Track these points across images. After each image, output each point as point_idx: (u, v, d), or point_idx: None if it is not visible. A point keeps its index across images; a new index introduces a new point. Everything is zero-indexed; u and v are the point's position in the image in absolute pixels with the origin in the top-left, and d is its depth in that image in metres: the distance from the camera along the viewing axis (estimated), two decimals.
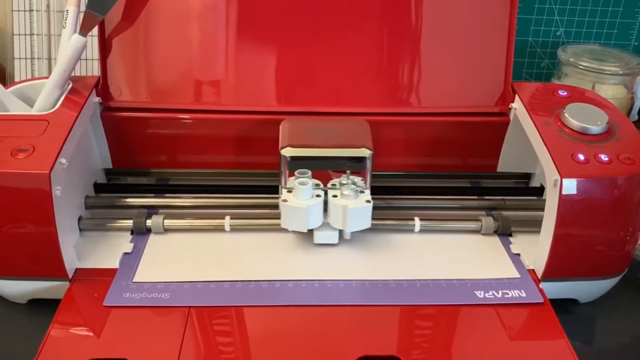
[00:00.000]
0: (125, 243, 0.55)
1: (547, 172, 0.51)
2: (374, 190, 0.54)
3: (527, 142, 0.55)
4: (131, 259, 0.53)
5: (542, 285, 0.51)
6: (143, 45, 0.58)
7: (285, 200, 0.52)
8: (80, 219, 0.56)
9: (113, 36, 0.58)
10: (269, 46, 0.59)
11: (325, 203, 0.53)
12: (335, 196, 0.52)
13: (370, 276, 0.52)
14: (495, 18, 0.59)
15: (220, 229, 0.56)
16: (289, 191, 0.53)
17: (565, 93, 0.59)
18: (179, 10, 0.58)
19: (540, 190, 0.61)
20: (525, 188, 0.64)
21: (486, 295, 0.50)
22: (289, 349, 0.45)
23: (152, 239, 0.56)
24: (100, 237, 0.56)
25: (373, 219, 0.53)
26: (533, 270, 0.53)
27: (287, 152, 0.52)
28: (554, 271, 0.51)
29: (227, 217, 0.56)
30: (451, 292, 0.50)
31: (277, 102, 0.60)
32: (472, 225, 0.57)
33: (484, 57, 0.60)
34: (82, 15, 0.56)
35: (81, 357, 0.44)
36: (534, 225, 0.55)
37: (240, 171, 0.63)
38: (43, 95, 0.55)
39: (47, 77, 0.56)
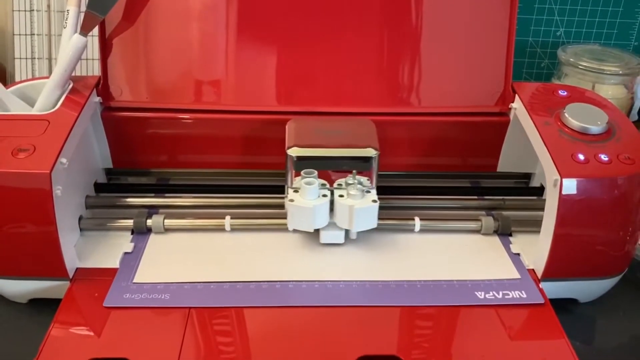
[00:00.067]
0: (125, 243, 0.55)
1: (547, 172, 0.51)
2: None
3: (527, 142, 0.55)
4: (131, 259, 0.53)
5: (542, 285, 0.51)
6: (143, 45, 0.58)
7: (291, 200, 0.52)
8: (80, 218, 0.56)
9: (113, 36, 0.58)
10: (269, 46, 0.59)
11: (331, 203, 0.53)
12: (341, 196, 0.53)
13: (371, 277, 0.52)
14: (496, 18, 0.59)
15: (220, 228, 0.56)
16: (295, 191, 0.53)
17: (565, 93, 0.59)
18: (179, 11, 0.58)
19: (540, 190, 0.62)
20: (525, 188, 0.64)
21: (487, 296, 0.50)
22: (289, 349, 0.45)
23: (153, 238, 0.56)
24: (101, 237, 0.56)
25: None
26: (533, 270, 0.53)
27: (294, 152, 0.52)
28: (553, 271, 0.51)
29: (228, 217, 0.56)
30: (452, 292, 0.50)
31: (278, 102, 0.60)
32: (472, 225, 0.57)
33: (484, 57, 0.60)
34: (82, 15, 0.56)
35: (82, 356, 0.44)
36: (534, 225, 0.55)
37: (240, 171, 0.63)
38: (44, 95, 0.55)
39: (47, 77, 0.56)
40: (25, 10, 0.75)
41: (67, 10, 0.58)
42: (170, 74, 0.59)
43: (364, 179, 0.54)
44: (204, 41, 0.59)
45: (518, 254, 0.55)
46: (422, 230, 0.56)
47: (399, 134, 0.60)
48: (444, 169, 0.63)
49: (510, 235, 0.57)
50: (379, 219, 0.54)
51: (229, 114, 0.59)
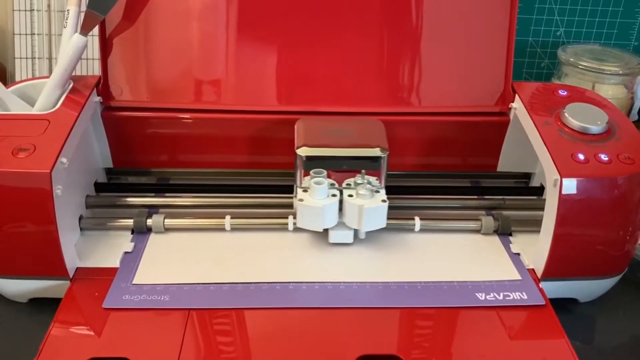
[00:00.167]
0: (125, 242, 0.55)
1: (547, 172, 0.51)
2: None
3: (527, 142, 0.55)
4: (132, 259, 0.53)
5: (541, 284, 0.51)
6: (144, 44, 0.58)
7: (301, 200, 0.52)
8: (81, 218, 0.56)
9: (114, 36, 0.58)
10: (269, 45, 0.59)
11: (340, 202, 0.53)
12: (350, 196, 0.53)
13: (372, 278, 0.51)
14: (496, 18, 0.59)
15: (220, 228, 0.56)
16: (305, 190, 0.53)
17: (565, 93, 0.59)
18: (179, 10, 0.58)
19: (540, 190, 0.62)
20: (525, 188, 0.64)
21: (487, 297, 0.50)
22: (289, 350, 0.45)
23: (153, 238, 0.56)
24: (101, 236, 0.56)
25: None
26: (533, 269, 0.53)
27: (303, 151, 0.52)
28: (553, 271, 0.51)
29: (228, 217, 0.56)
30: (452, 294, 0.50)
31: (278, 102, 0.60)
32: (472, 224, 0.57)
33: (484, 57, 0.60)
34: (82, 15, 0.56)
35: (82, 356, 0.44)
36: (534, 225, 0.55)
37: (241, 170, 0.63)
38: (44, 95, 0.55)
39: (48, 77, 0.56)
40: (25, 10, 0.76)
41: (68, 10, 0.58)
42: (170, 74, 0.59)
43: (372, 179, 0.54)
44: (204, 41, 0.59)
45: (518, 254, 0.55)
46: (422, 230, 0.56)
47: (399, 134, 0.60)
48: (444, 169, 0.63)
49: (510, 235, 0.57)
50: None
51: (229, 114, 0.59)
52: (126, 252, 0.54)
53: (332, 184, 0.54)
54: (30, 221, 0.48)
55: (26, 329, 0.50)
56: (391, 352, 0.45)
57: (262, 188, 0.61)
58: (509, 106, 0.60)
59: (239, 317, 0.48)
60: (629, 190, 0.50)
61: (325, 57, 0.59)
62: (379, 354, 0.45)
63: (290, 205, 0.58)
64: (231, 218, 0.56)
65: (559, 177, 0.48)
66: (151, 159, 0.62)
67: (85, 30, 0.56)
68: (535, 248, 0.53)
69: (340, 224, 0.54)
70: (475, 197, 0.62)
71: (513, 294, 0.50)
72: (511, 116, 0.60)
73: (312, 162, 0.52)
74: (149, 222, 0.56)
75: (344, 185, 0.54)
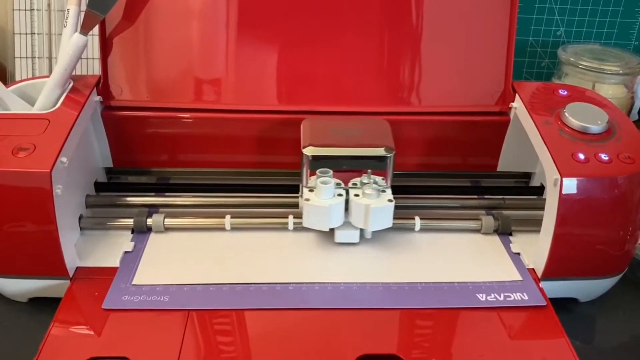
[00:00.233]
0: (125, 242, 0.55)
1: (547, 172, 0.51)
2: None
3: (528, 142, 0.55)
4: (132, 258, 0.53)
5: (542, 284, 0.51)
6: (144, 44, 0.58)
7: (307, 200, 0.52)
8: (80, 217, 0.56)
9: (114, 35, 0.58)
10: (269, 45, 0.59)
11: (346, 202, 0.53)
12: (357, 195, 0.53)
13: (372, 279, 0.51)
14: (496, 17, 0.59)
15: (221, 227, 0.56)
16: (311, 190, 0.53)
17: (566, 92, 0.59)
18: (179, 10, 0.58)
19: (540, 190, 0.62)
20: (526, 187, 0.64)
21: (488, 298, 0.50)
22: (289, 350, 0.45)
23: (153, 237, 0.56)
24: (101, 236, 0.56)
25: None
26: (533, 269, 0.53)
27: (309, 151, 0.52)
28: (554, 270, 0.51)
29: (228, 216, 0.56)
30: (453, 295, 0.50)
31: (278, 101, 0.60)
32: (473, 224, 0.57)
33: (484, 57, 0.60)
34: (82, 14, 0.56)
35: (82, 355, 0.44)
36: (534, 225, 0.55)
37: (241, 170, 0.63)
38: (44, 94, 0.55)
39: (48, 76, 0.56)
40: (25, 10, 0.75)
41: (68, 10, 0.58)
42: (170, 73, 0.59)
43: (378, 179, 0.54)
44: (204, 40, 0.59)
45: (518, 254, 0.55)
46: (422, 230, 0.56)
47: (399, 133, 0.60)
48: (444, 168, 0.63)
49: (511, 234, 0.57)
50: None
51: (229, 113, 0.59)
52: (126, 252, 0.54)
53: (338, 184, 0.54)
54: (30, 221, 0.48)
55: (26, 328, 0.50)
56: (391, 352, 0.45)
57: (262, 187, 0.61)
58: (509, 106, 0.60)
59: (238, 317, 0.48)
60: (629, 190, 0.50)
61: (325, 57, 0.59)
62: (379, 353, 0.45)
63: (291, 205, 0.58)
64: (231, 217, 0.56)
65: (559, 176, 0.48)
66: (151, 158, 0.62)
67: (85, 29, 0.56)
68: (536, 248, 0.53)
69: (346, 224, 0.54)
70: (476, 196, 0.62)
71: (514, 294, 0.50)
72: (511, 116, 0.60)
73: (319, 162, 0.52)
74: (149, 221, 0.56)
75: (350, 184, 0.54)
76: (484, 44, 0.60)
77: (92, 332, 0.46)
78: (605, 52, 0.81)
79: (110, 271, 0.52)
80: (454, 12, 0.59)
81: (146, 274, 0.51)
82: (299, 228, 0.56)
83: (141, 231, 0.56)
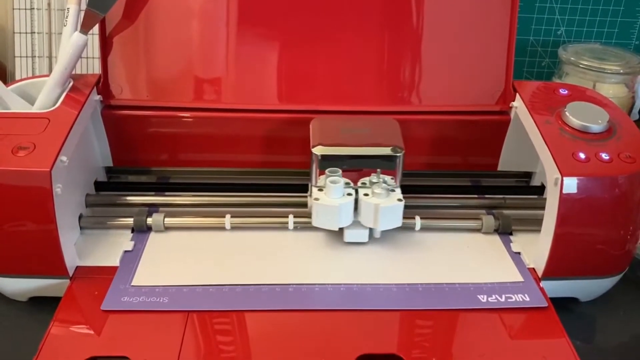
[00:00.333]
0: (125, 241, 0.55)
1: (547, 171, 0.51)
2: None
3: (528, 141, 0.55)
4: (131, 258, 0.53)
5: (542, 284, 0.51)
6: (144, 43, 0.58)
7: (317, 199, 0.52)
8: (80, 217, 0.56)
9: (114, 34, 0.58)
10: (269, 44, 0.59)
11: (355, 202, 0.53)
12: (366, 195, 0.52)
13: (373, 280, 0.51)
14: (496, 17, 0.59)
15: (221, 227, 0.56)
16: (320, 189, 0.53)
17: (566, 92, 0.59)
18: (179, 9, 0.58)
19: (541, 189, 0.61)
20: (526, 187, 0.64)
21: (489, 299, 0.50)
22: (289, 350, 0.45)
23: (153, 237, 0.56)
24: (101, 235, 0.56)
25: None
26: (533, 269, 0.53)
27: (319, 150, 0.52)
28: (554, 270, 0.51)
29: (228, 216, 0.56)
30: (454, 296, 0.50)
31: (278, 101, 0.60)
32: (473, 224, 0.57)
33: (484, 56, 0.60)
34: (82, 13, 0.56)
35: (81, 355, 0.44)
36: (535, 224, 0.55)
37: (241, 169, 0.63)
38: (44, 93, 0.55)
39: (48, 75, 0.56)
40: (25, 9, 0.75)
41: (68, 9, 0.58)
42: (170, 73, 0.59)
43: (387, 178, 0.54)
44: (204, 40, 0.59)
45: (519, 253, 0.55)
46: (422, 229, 0.56)
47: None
48: (445, 168, 0.63)
49: (511, 234, 0.57)
50: None
51: (229, 113, 0.59)
52: (126, 251, 0.54)
53: (347, 183, 0.54)
54: (30, 220, 0.48)
55: (26, 327, 0.50)
56: (391, 352, 0.45)
57: (263, 187, 0.61)
58: (510, 105, 0.60)
59: (238, 319, 0.48)
60: (629, 190, 0.50)
61: (325, 56, 0.59)
62: (379, 353, 0.45)
63: (291, 204, 0.58)
64: (231, 217, 0.56)
65: (559, 176, 0.48)
66: (151, 157, 0.62)
67: (85, 28, 0.56)
68: (536, 247, 0.53)
69: (355, 223, 0.54)
70: (476, 196, 0.62)
71: (515, 295, 0.50)
72: (512, 115, 0.60)
73: (328, 161, 0.52)
74: (149, 220, 0.56)
75: (359, 184, 0.54)
76: (484, 43, 0.60)
77: (91, 332, 0.46)
78: (605, 52, 0.81)
79: (110, 270, 0.51)
80: (455, 12, 0.59)
81: (146, 274, 0.51)
82: (299, 227, 0.56)
83: (141, 230, 0.56)
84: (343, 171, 0.53)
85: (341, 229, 0.54)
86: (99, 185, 0.61)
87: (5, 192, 0.47)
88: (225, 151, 0.61)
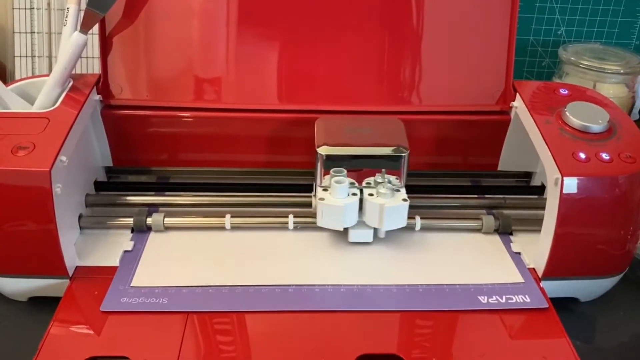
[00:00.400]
0: (125, 241, 0.55)
1: (548, 171, 0.51)
2: None
3: (528, 141, 0.55)
4: (131, 258, 0.53)
5: (542, 284, 0.51)
6: (144, 43, 0.58)
7: (322, 199, 0.52)
8: (80, 216, 0.56)
9: (114, 34, 0.58)
10: (269, 44, 0.59)
11: (360, 201, 0.53)
12: (371, 195, 0.52)
13: (373, 281, 0.51)
14: (496, 17, 0.59)
15: (221, 227, 0.56)
16: (325, 189, 0.53)
17: (567, 92, 0.59)
18: (179, 9, 0.58)
19: (541, 189, 0.61)
20: (526, 187, 0.64)
21: (490, 300, 0.50)
22: (289, 350, 0.45)
23: (153, 237, 0.56)
24: (101, 235, 0.56)
25: None
26: (534, 269, 0.53)
27: (324, 150, 0.52)
28: (554, 270, 0.51)
29: (228, 215, 0.56)
30: (454, 297, 0.50)
31: (278, 101, 0.59)
32: (473, 224, 0.57)
33: (485, 56, 0.60)
34: (82, 13, 0.56)
35: (81, 355, 0.43)
36: (535, 224, 0.55)
37: (241, 169, 0.62)
38: (44, 93, 0.55)
39: (47, 75, 0.56)
40: (25, 8, 0.75)
41: (67, 8, 0.58)
42: (170, 72, 0.59)
43: (392, 178, 0.54)
44: (204, 39, 0.59)
45: (519, 253, 0.55)
46: (422, 229, 0.56)
47: None
48: (445, 168, 0.63)
49: (511, 234, 0.57)
50: None
51: (229, 112, 0.59)
52: (126, 251, 0.54)
53: (352, 183, 0.54)
54: (30, 220, 0.48)
55: (26, 327, 0.50)
56: (391, 352, 0.45)
57: (263, 187, 0.61)
58: (510, 105, 0.59)
59: (239, 320, 0.47)
60: (630, 190, 0.50)
61: (325, 56, 0.59)
62: (379, 353, 0.45)
63: (291, 204, 0.58)
64: (231, 217, 0.56)
65: (560, 176, 0.48)
66: (151, 157, 0.62)
67: (85, 28, 0.56)
68: (536, 247, 0.52)
69: (360, 223, 0.54)
70: (476, 196, 0.62)
71: (516, 296, 0.50)
72: (512, 115, 0.60)
73: (333, 161, 0.52)
74: (149, 220, 0.56)
75: (363, 184, 0.54)
76: (484, 43, 0.60)
77: (91, 332, 0.46)
78: (606, 52, 0.81)
79: (110, 270, 0.51)
80: (455, 12, 0.59)
81: (145, 274, 0.51)
82: (300, 228, 0.56)
83: (141, 230, 0.56)
84: (348, 171, 0.53)
85: (346, 229, 0.54)
86: (98, 185, 0.61)
87: (5, 192, 0.47)
88: (225, 151, 0.61)
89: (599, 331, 0.52)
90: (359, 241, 0.55)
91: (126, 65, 0.59)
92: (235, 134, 0.60)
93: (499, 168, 0.63)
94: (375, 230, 0.54)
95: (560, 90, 0.59)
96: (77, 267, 0.51)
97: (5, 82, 0.56)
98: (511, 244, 0.56)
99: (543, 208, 0.51)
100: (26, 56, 0.76)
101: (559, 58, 0.80)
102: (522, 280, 0.52)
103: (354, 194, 0.53)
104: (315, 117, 0.57)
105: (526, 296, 0.50)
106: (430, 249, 0.55)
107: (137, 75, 0.59)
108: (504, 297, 0.50)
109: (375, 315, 0.48)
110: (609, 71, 0.77)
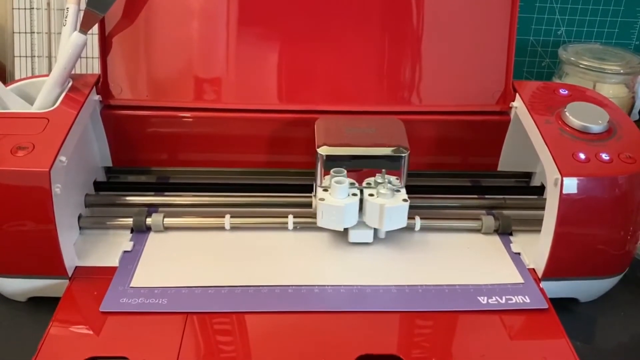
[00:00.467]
0: (125, 241, 0.55)
1: (547, 171, 0.51)
2: None
3: (528, 141, 0.55)
4: (131, 258, 0.53)
5: (542, 284, 0.51)
6: (143, 43, 0.58)
7: (322, 199, 0.52)
8: (80, 217, 0.56)
9: (113, 34, 0.58)
10: (269, 44, 0.59)
11: (360, 202, 0.53)
12: (371, 195, 0.52)
13: (373, 281, 0.51)
14: (496, 17, 0.59)
15: (220, 227, 0.56)
16: (325, 190, 0.53)
17: (566, 92, 0.59)
18: (179, 9, 0.58)
19: (541, 189, 0.61)
20: (526, 187, 0.64)
21: (489, 301, 0.50)
22: (289, 350, 0.45)
23: (152, 237, 0.56)
24: (100, 235, 0.56)
25: None
26: (533, 269, 0.53)
27: (324, 150, 0.52)
28: (554, 270, 0.51)
29: (227, 216, 0.56)
30: (454, 298, 0.50)
31: (278, 101, 0.59)
32: (473, 224, 0.57)
33: (485, 56, 0.60)
34: (82, 13, 0.56)
35: (80, 355, 0.43)
36: (535, 225, 0.55)
37: (241, 169, 0.62)
38: (43, 93, 0.55)
39: (47, 75, 0.56)
40: (25, 8, 0.75)
41: (67, 8, 0.58)
42: (170, 72, 0.59)
43: (392, 178, 0.54)
44: (204, 39, 0.58)
45: (518, 254, 0.55)
46: (422, 229, 0.56)
47: None
48: (445, 168, 0.63)
49: (511, 234, 0.57)
50: None
51: (229, 113, 0.59)
52: (125, 251, 0.54)
53: (352, 183, 0.54)
54: (29, 220, 0.48)
55: (25, 327, 0.50)
56: (391, 352, 0.45)
57: (263, 187, 0.61)
58: (510, 105, 0.59)
59: (238, 320, 0.47)
60: (629, 190, 0.50)
61: (325, 56, 0.59)
62: (378, 353, 0.45)
63: (291, 204, 0.58)
64: (231, 217, 0.56)
65: (559, 176, 0.48)
66: (151, 157, 0.61)
67: (84, 28, 0.56)
68: (536, 248, 0.52)
69: (360, 224, 0.54)
70: (476, 196, 0.62)
71: (515, 297, 0.50)
72: (512, 115, 0.60)
73: (333, 161, 0.52)
74: (149, 221, 0.56)
75: (364, 184, 0.54)
76: (484, 43, 0.60)
77: (91, 332, 0.46)
78: (606, 52, 0.80)
79: (110, 271, 0.51)
80: (455, 12, 0.59)
81: (145, 275, 0.51)
82: (300, 228, 0.56)
83: (140, 230, 0.56)
84: (348, 171, 0.53)
85: (346, 230, 0.54)
86: (98, 185, 0.61)
87: (5, 192, 0.47)
88: (225, 151, 0.61)
89: (599, 331, 0.52)
90: (359, 241, 0.55)
91: (126, 65, 0.59)
92: (235, 134, 0.60)
93: (499, 168, 0.63)
94: (376, 230, 0.54)
95: (560, 91, 0.59)
96: (76, 267, 0.51)
97: (5, 82, 0.56)
98: (511, 245, 0.56)
99: (543, 208, 0.51)
100: (26, 56, 0.76)
101: (558, 58, 0.80)
102: (522, 281, 0.51)
103: (354, 194, 0.53)
104: (315, 117, 0.57)
105: (526, 297, 0.50)
106: (430, 250, 0.55)
107: (136, 76, 0.59)
108: (503, 298, 0.50)
109: (375, 315, 0.48)
110: (609, 71, 0.77)
